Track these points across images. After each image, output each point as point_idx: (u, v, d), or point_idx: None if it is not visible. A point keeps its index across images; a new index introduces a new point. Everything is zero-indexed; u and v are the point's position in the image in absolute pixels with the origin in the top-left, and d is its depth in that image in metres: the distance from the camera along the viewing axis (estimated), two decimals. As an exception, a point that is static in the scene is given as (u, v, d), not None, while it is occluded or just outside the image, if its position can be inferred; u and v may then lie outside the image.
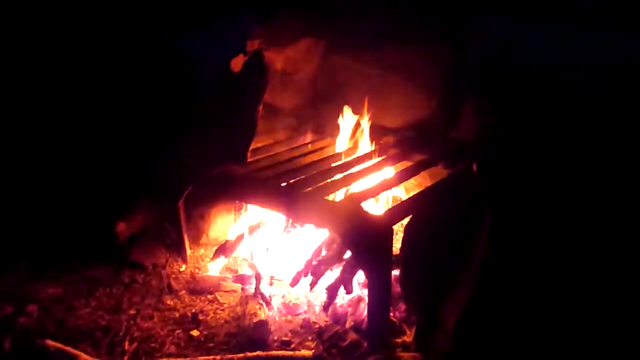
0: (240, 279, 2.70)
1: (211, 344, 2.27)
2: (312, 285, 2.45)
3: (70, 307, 2.48)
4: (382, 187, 2.39)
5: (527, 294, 1.87)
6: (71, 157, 2.84)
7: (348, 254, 2.41)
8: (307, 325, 2.35)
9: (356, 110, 2.85)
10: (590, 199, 1.97)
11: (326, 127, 3.10)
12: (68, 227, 2.80)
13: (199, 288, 2.64)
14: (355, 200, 2.21)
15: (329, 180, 2.45)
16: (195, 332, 2.33)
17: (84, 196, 2.80)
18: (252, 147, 2.68)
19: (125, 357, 2.17)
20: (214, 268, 2.82)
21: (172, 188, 2.70)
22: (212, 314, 2.46)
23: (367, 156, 2.77)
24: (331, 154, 2.87)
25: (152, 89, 2.75)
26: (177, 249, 2.92)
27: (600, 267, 1.88)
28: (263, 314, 2.35)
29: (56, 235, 2.80)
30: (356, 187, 2.48)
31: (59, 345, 2.10)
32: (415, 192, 2.41)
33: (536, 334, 1.84)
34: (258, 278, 2.54)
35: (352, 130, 2.90)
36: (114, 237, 2.72)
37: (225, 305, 2.53)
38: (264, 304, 2.44)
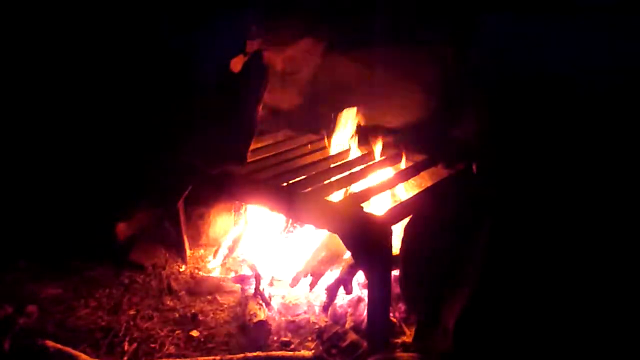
0: (240, 280, 2.69)
1: (211, 345, 2.27)
2: (312, 285, 2.45)
3: (70, 308, 2.48)
4: (381, 188, 2.39)
5: (527, 293, 1.87)
6: (71, 157, 2.84)
7: (348, 255, 2.40)
8: (307, 325, 2.35)
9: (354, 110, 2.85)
10: (590, 199, 1.97)
11: (326, 127, 3.10)
12: (68, 228, 2.80)
13: (198, 288, 2.64)
14: (355, 200, 2.20)
15: (328, 181, 2.44)
16: (195, 333, 2.33)
17: (84, 197, 2.81)
18: (252, 147, 2.68)
19: (125, 358, 2.16)
20: (214, 263, 2.82)
21: (172, 188, 2.70)
22: (211, 315, 2.46)
23: (366, 156, 2.77)
24: (331, 154, 2.86)
25: (152, 89, 2.76)
26: (177, 250, 2.91)
27: (600, 267, 1.88)
28: (263, 314, 2.35)
29: (56, 235, 2.80)
30: (356, 187, 2.48)
31: (58, 345, 2.09)
32: (415, 193, 2.41)
33: (536, 333, 1.84)
34: (258, 278, 2.54)
35: (351, 131, 2.90)
36: (113, 237, 2.73)
37: (225, 306, 2.53)
38: (263, 304, 2.44)
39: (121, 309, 2.47)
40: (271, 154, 2.87)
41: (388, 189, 2.49)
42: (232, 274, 2.78)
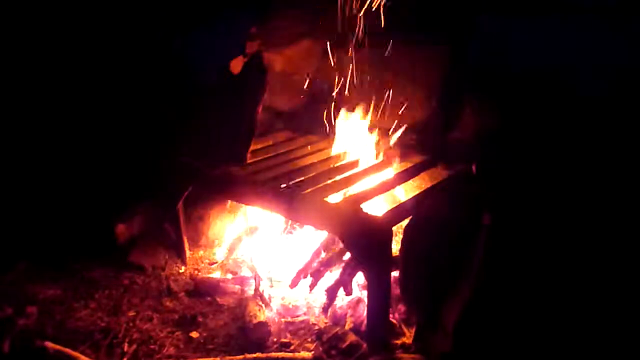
0: (240, 281, 2.69)
1: (210, 346, 2.26)
2: (312, 286, 2.44)
3: (70, 309, 2.47)
4: (381, 189, 2.39)
5: (527, 294, 1.87)
6: (71, 158, 2.84)
7: (347, 256, 2.40)
8: (306, 326, 2.35)
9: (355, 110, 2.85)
10: (590, 199, 1.97)
11: (325, 128, 3.10)
12: (68, 229, 2.80)
13: (198, 290, 2.64)
14: (354, 201, 2.20)
15: (328, 182, 2.44)
16: (194, 334, 2.33)
17: (84, 198, 2.81)
18: (251, 148, 2.68)
19: (125, 359, 2.16)
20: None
21: (172, 189, 2.70)
22: (211, 316, 2.46)
23: (366, 157, 2.77)
24: (331, 155, 2.86)
25: (152, 90, 2.76)
26: (177, 251, 2.91)
27: (600, 267, 1.88)
28: (262, 315, 2.35)
29: (56, 236, 2.80)
30: (356, 188, 2.48)
31: (58, 346, 2.09)
32: (414, 193, 2.41)
33: (536, 334, 1.83)
34: (257, 280, 2.54)
35: (351, 132, 2.90)
36: (113, 238, 2.73)
37: (225, 307, 2.52)
38: (263, 305, 2.43)
39: (121, 310, 2.47)
40: (271, 155, 2.87)
41: (388, 190, 2.48)
42: (232, 275, 2.77)
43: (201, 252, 3.00)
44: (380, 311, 2.13)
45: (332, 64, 2.81)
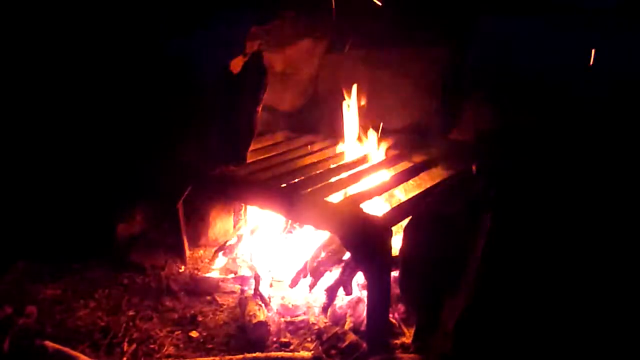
0: (240, 280, 2.69)
1: (210, 345, 2.26)
2: (312, 286, 2.45)
3: (70, 308, 2.47)
4: (381, 189, 2.39)
5: (527, 294, 1.87)
6: (71, 158, 2.84)
7: (347, 256, 2.40)
8: (306, 326, 2.35)
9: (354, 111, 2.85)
10: (590, 200, 1.97)
11: (326, 128, 3.10)
12: (68, 228, 2.80)
13: (198, 289, 2.64)
14: (354, 201, 2.20)
15: (328, 182, 2.44)
16: (194, 333, 2.33)
17: (84, 197, 2.80)
18: (251, 148, 2.68)
19: (124, 358, 2.16)
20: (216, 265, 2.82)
21: (171, 189, 2.70)
22: (211, 315, 2.46)
23: (366, 157, 2.77)
24: (331, 155, 2.86)
25: (152, 90, 2.76)
26: (176, 251, 2.91)
27: (600, 267, 1.88)
28: (262, 315, 2.35)
29: (56, 236, 2.80)
30: (356, 188, 2.48)
31: (58, 346, 2.09)
32: (414, 194, 2.41)
33: (535, 334, 1.83)
34: (257, 279, 2.54)
35: (351, 132, 2.90)
36: (113, 238, 2.72)
37: (224, 307, 2.52)
38: (263, 305, 2.43)
39: (120, 310, 2.47)
40: (271, 154, 2.88)
41: (388, 190, 2.48)
42: (232, 275, 2.77)
43: (201, 252, 3.00)
44: (380, 311, 2.13)
45: (332, 64, 2.81)
